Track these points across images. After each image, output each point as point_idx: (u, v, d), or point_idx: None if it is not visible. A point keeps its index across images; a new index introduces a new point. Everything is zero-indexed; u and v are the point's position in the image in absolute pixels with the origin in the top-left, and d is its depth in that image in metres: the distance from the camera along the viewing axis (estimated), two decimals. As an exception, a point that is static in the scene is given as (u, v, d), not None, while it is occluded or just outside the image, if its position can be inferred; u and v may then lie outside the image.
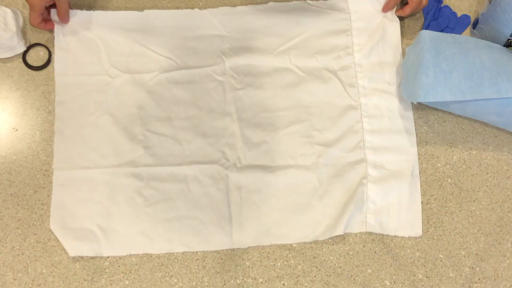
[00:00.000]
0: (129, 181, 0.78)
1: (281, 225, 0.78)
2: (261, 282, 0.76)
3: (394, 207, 0.78)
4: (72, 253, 0.75)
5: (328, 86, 0.83)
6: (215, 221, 0.77)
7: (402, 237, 0.78)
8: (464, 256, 0.78)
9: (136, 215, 0.77)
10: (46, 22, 0.82)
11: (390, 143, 0.81)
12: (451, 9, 0.89)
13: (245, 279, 0.76)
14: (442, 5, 0.89)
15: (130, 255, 0.76)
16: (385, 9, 0.85)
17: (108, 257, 0.76)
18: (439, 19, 0.87)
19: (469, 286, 0.77)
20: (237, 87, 0.82)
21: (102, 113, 0.80)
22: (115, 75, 0.82)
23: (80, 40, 0.83)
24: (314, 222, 0.78)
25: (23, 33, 0.84)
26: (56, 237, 0.77)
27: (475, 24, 0.87)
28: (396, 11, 0.85)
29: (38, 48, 0.84)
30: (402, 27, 0.88)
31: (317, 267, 0.77)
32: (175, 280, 0.76)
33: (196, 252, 0.77)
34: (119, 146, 0.79)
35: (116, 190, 0.78)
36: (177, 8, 0.87)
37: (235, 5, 0.87)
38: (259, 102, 0.82)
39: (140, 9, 0.85)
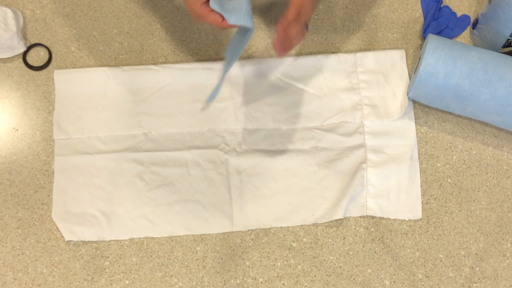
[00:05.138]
0: (130, 166, 0.79)
1: (281, 208, 0.78)
2: (261, 282, 0.76)
3: (394, 190, 0.79)
4: (68, 237, 0.76)
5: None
6: (216, 205, 0.78)
7: (402, 237, 0.79)
8: (464, 256, 0.78)
9: (137, 199, 0.78)
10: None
11: (389, 128, 0.81)
12: (451, 9, 0.89)
13: (245, 279, 0.76)
14: (442, 5, 0.89)
15: (131, 255, 0.76)
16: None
17: (108, 257, 0.76)
18: (439, 19, 0.87)
19: (469, 286, 0.77)
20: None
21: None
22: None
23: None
24: (313, 205, 0.78)
25: (23, 33, 0.84)
26: (56, 237, 0.77)
27: (474, 24, 0.87)
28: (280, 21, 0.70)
29: (38, 48, 0.85)
30: (401, 27, 0.88)
31: (317, 267, 0.77)
32: (175, 280, 0.76)
33: (196, 252, 0.77)
34: (119, 132, 0.80)
35: (117, 175, 0.79)
36: (177, 8, 0.87)
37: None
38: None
39: (139, 5, 0.86)
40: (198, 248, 0.77)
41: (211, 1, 0.65)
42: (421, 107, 0.84)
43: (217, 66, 0.83)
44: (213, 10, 0.64)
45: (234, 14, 0.65)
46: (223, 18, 0.65)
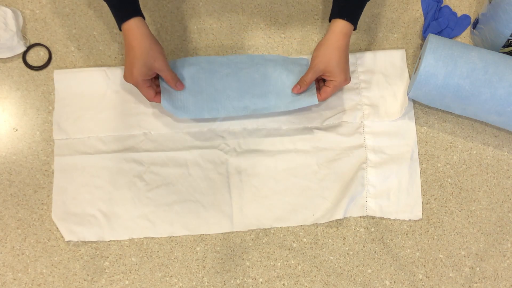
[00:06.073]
0: (130, 166, 0.79)
1: (281, 208, 0.78)
2: (261, 282, 0.76)
3: (394, 190, 0.79)
4: (68, 237, 0.76)
5: None
6: (216, 205, 0.78)
7: (402, 237, 0.78)
8: (464, 256, 0.78)
9: (137, 199, 0.78)
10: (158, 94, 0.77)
11: (389, 128, 0.81)
12: (451, 9, 0.89)
13: (245, 279, 0.76)
14: (442, 5, 0.89)
15: (130, 255, 0.76)
16: (297, 90, 0.78)
17: (108, 257, 0.76)
18: (439, 19, 0.87)
19: (469, 286, 0.77)
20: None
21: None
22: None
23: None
24: (313, 205, 0.78)
25: (23, 33, 0.84)
26: (56, 237, 0.77)
27: (475, 24, 0.87)
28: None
29: (38, 48, 0.84)
30: (402, 27, 0.88)
31: (317, 267, 0.77)
32: (175, 280, 0.76)
33: (196, 252, 0.77)
34: (119, 132, 0.80)
35: (117, 175, 0.79)
36: (177, 8, 0.87)
37: (235, 5, 0.87)
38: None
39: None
40: (198, 248, 0.77)
41: (163, 102, 0.76)
42: (421, 107, 0.84)
43: (222, 58, 0.82)
44: (150, 86, 0.74)
45: (183, 110, 0.77)
46: (155, 94, 0.75)
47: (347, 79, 0.76)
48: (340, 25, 0.74)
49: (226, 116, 0.79)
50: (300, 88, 0.78)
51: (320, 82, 0.79)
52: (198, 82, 0.79)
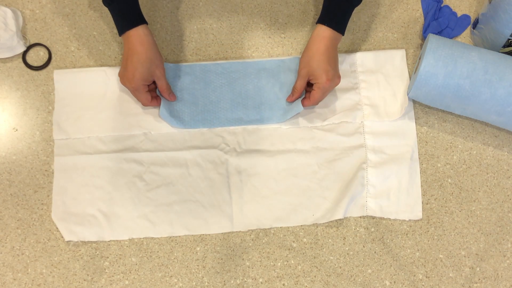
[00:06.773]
0: (130, 166, 0.79)
1: (281, 208, 0.78)
2: (261, 282, 0.76)
3: (394, 190, 0.79)
4: (68, 237, 0.76)
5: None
6: (216, 205, 0.78)
7: (402, 237, 0.78)
8: (464, 256, 0.78)
9: (137, 199, 0.78)
10: (156, 99, 0.79)
11: (389, 128, 0.81)
12: (451, 9, 0.89)
13: (245, 279, 0.76)
14: (442, 5, 0.89)
15: (130, 255, 0.76)
16: (291, 99, 0.81)
17: (108, 257, 0.76)
18: (439, 19, 0.87)
19: (469, 286, 0.77)
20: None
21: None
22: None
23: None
24: (313, 205, 0.78)
25: (23, 33, 0.84)
26: (56, 237, 0.77)
27: (475, 24, 0.87)
28: (303, 100, 0.79)
29: (38, 48, 0.84)
30: (401, 27, 0.88)
31: (317, 267, 0.77)
32: (175, 280, 0.76)
33: (196, 252, 0.77)
34: (119, 132, 0.80)
35: (117, 175, 0.79)
36: (177, 8, 0.87)
37: (235, 5, 0.87)
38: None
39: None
40: (198, 248, 0.77)
41: (162, 110, 0.78)
42: (421, 107, 0.84)
43: (217, 67, 0.83)
44: (147, 91, 0.76)
45: (179, 120, 0.80)
46: (151, 99, 0.77)
47: (329, 79, 0.75)
48: (320, 29, 0.76)
49: (220, 128, 0.81)
50: (292, 96, 0.80)
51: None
52: (193, 92, 0.82)
